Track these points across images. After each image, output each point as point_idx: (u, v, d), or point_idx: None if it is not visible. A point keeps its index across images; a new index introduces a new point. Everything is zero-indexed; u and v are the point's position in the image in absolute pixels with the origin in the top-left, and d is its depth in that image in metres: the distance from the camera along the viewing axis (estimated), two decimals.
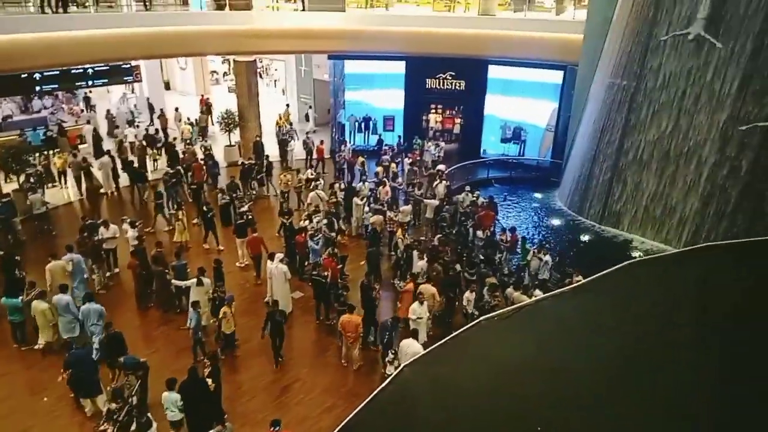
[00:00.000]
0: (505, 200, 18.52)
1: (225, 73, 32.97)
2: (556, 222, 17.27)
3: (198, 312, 10.49)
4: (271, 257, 12.19)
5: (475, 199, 16.33)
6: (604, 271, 6.17)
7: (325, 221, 14.20)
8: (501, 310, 6.21)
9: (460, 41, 19.27)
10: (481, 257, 13.43)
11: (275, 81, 31.65)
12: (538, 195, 19.34)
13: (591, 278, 6.25)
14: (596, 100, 16.83)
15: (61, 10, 15.21)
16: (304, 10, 19.55)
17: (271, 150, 20.59)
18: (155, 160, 19.84)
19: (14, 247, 13.69)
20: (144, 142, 20.08)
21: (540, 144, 21.97)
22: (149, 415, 8.35)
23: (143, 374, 9.21)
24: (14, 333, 10.84)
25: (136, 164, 18.26)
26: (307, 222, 14.11)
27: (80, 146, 20.05)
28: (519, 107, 21.90)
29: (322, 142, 20.64)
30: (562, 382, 5.01)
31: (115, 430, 8.60)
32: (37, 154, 18.49)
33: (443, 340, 5.54)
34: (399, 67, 22.25)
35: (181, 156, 18.98)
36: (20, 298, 10.68)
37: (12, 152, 16.66)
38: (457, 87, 22.43)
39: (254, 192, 17.78)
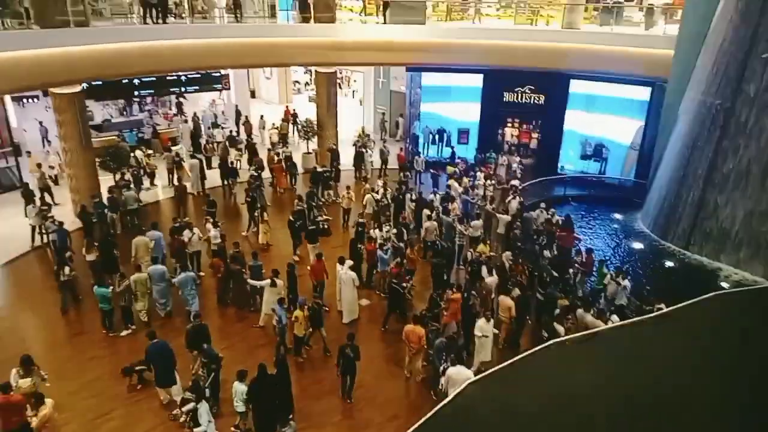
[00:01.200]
0: (582, 220, 17.85)
1: (306, 83, 34.09)
2: (637, 245, 16.42)
3: (284, 308, 10.97)
4: (341, 261, 12.42)
5: (549, 216, 15.86)
6: (688, 302, 5.80)
7: (394, 231, 14.31)
8: (573, 335, 5.99)
9: (542, 55, 18.88)
10: (553, 277, 13.01)
11: (354, 92, 32.33)
12: (618, 216, 18.49)
13: (673, 308, 5.89)
14: (687, 119, 15.92)
15: (160, 21, 16.34)
16: (385, 23, 19.86)
17: (347, 158, 21.09)
18: (237, 160, 20.84)
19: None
20: (227, 143, 21.58)
21: (623, 162, 21.02)
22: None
23: (216, 368, 9.65)
24: (104, 320, 11.69)
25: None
26: (377, 231, 14.27)
27: (173, 147, 21.44)
28: (601, 123, 21.11)
29: (402, 149, 20.91)
30: (627, 414, 4.75)
31: (188, 419, 9.05)
32: (140, 153, 19.91)
33: (510, 361, 5.42)
34: (476, 80, 22.11)
35: (264, 160, 20.05)
36: (110, 288, 11.51)
37: (111, 152, 18.08)
38: (536, 101, 21.97)
39: (325, 200, 18.27)
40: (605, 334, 6.03)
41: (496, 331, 10.79)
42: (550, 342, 5.65)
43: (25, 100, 24.04)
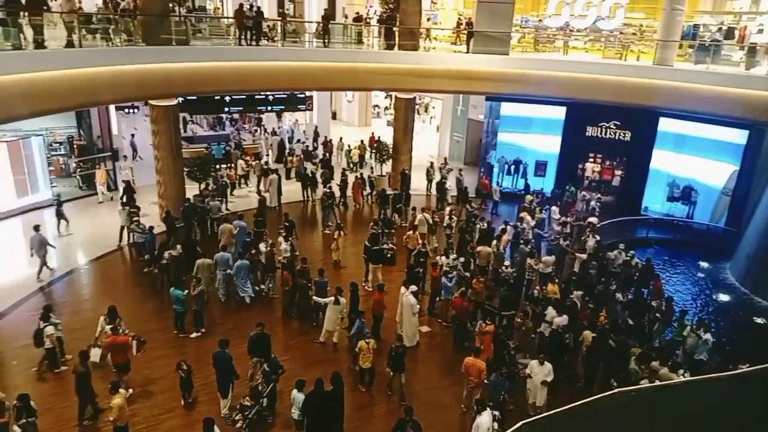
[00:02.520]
0: (664, 265, 16.83)
1: (386, 108, 34.78)
2: (723, 297, 15.26)
3: (362, 321, 11.23)
4: (406, 285, 12.38)
5: (628, 258, 15.09)
6: None
7: (461, 260, 14.12)
8: (642, 386, 5.59)
9: (630, 90, 18.17)
10: (628, 324, 12.32)
11: (431, 118, 32.60)
12: (705, 264, 17.30)
13: (757, 368, 5.37)
14: None
15: (254, 42, 17.32)
16: (468, 52, 19.97)
17: (418, 182, 21.22)
18: (312, 173, 21.56)
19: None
20: (302, 156, 22.90)
21: (713, 208, 19.71)
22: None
23: (276, 378, 9.84)
24: (176, 321, 12.25)
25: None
26: (443, 258, 14.14)
27: (253, 162, 22.53)
28: (691, 165, 19.98)
29: (486, 176, 20.90)
30: None
31: (244, 425, 9.27)
32: (224, 166, 21.04)
33: (571, 405, 5.14)
34: (558, 112, 21.65)
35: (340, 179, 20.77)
36: (185, 292, 12.08)
37: (198, 163, 19.17)
38: (621, 137, 21.16)
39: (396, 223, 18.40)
40: (675, 388, 5.59)
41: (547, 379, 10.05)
42: (616, 390, 5.31)
43: (127, 110, 26.11)
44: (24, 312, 12.74)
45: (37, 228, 14.16)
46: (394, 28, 19.73)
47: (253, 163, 22.34)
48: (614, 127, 21.13)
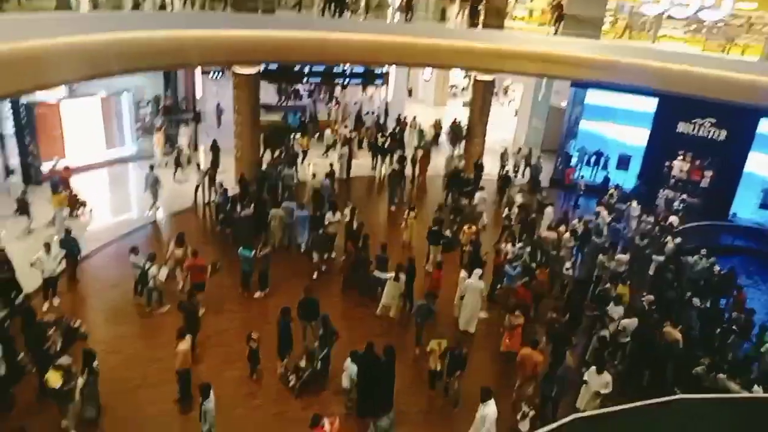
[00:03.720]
0: (750, 277, 15.64)
1: (464, 89, 34.11)
2: None
3: (430, 304, 11.16)
4: (467, 268, 12.20)
5: (709, 266, 14.12)
6: None
7: (528, 249, 13.73)
8: (705, 395, 5.23)
9: (733, 86, 16.74)
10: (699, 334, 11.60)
11: (510, 101, 31.69)
12: None
13: None
14: None
15: (337, 14, 17.38)
16: (556, 33, 19.11)
17: (489, 168, 20.77)
18: (383, 144, 21.68)
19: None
20: (373, 128, 23.34)
21: None
22: None
23: (331, 344, 10.05)
24: (243, 280, 12.72)
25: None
26: (508, 246, 13.80)
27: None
28: None
29: (570, 167, 20.33)
30: None
31: (297, 385, 9.57)
32: (298, 135, 21.46)
33: (623, 406, 4.88)
34: (648, 105, 20.39)
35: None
36: (253, 252, 12.48)
37: (273, 130, 19.62)
38: (715, 136, 19.68)
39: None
40: (741, 403, 5.18)
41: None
42: (677, 396, 4.99)
43: (211, 75, 27.03)
44: (107, 255, 13.75)
45: (151, 167, 15.83)
46: (480, 6, 19.15)
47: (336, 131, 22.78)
48: (709, 125, 19.67)
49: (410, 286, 12.37)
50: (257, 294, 12.70)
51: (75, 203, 15.32)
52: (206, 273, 11.73)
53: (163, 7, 14.02)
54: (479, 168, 19.79)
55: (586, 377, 9.59)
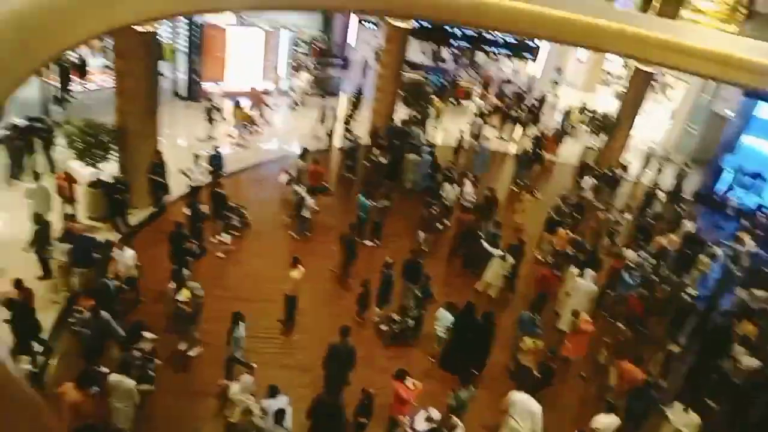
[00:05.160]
0: None
1: (619, 77, 31.77)
2: None
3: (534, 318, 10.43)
4: (580, 266, 11.77)
5: None
6: None
7: (652, 261, 12.87)
8: None
9: None
10: None
11: (668, 100, 29.02)
12: None
13: None
14: None
15: None
16: (739, 34, 17.07)
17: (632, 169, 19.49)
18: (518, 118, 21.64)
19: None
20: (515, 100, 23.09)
21: None
22: None
23: (426, 305, 10.36)
24: (357, 227, 13.16)
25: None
26: (629, 252, 13.00)
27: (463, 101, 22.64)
28: None
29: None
30: None
31: (390, 334, 10.07)
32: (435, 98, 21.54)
33: None
34: None
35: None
36: (370, 201, 12.92)
37: (412, 89, 19.78)
38: None
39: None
40: None
41: None
42: None
43: (365, 24, 27.62)
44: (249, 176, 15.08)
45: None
46: None
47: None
48: None
49: (516, 269, 12.21)
50: (368, 242, 13.21)
51: (250, 120, 17.25)
52: (324, 178, 13.73)
53: None
54: (623, 168, 18.48)
55: (669, 413, 8.86)
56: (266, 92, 18.54)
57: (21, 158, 12.38)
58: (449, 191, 14.30)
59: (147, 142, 12.16)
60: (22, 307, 8.12)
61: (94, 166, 11.42)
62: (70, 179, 11.13)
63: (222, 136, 16.65)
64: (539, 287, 11.76)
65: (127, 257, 9.63)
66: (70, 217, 10.71)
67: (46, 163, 12.78)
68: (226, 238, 11.95)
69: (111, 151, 11.63)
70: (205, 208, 11.60)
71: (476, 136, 19.69)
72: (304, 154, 14.44)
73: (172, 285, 9.65)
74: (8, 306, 8.01)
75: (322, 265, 12.09)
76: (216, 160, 13.34)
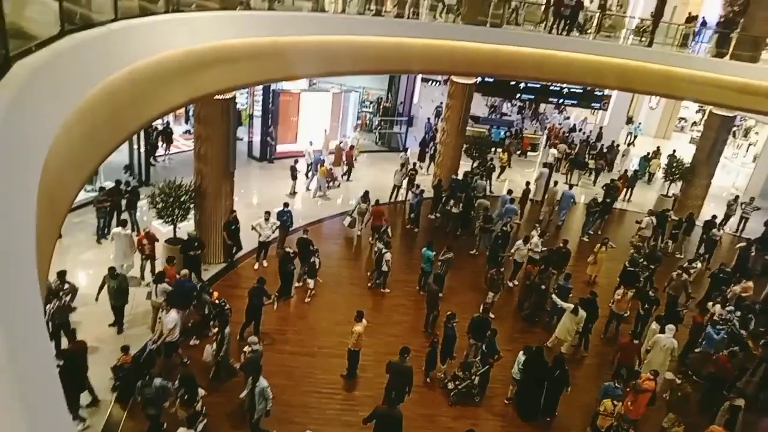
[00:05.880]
0: None
1: (694, 123, 30.52)
2: None
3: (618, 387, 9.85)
4: (660, 320, 11.06)
5: None
6: None
7: (738, 314, 11.86)
8: None
9: None
10: None
11: (750, 145, 27.41)
12: None
13: None
14: None
15: (565, 33, 16.90)
16: None
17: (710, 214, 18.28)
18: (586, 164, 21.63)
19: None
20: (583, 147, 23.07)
21: None
22: None
23: (492, 363, 10.02)
24: (420, 278, 13.23)
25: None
26: (717, 307, 12.06)
27: (529, 152, 22.50)
28: None
29: None
30: None
31: (454, 390, 9.77)
32: (499, 150, 21.62)
33: None
34: None
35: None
36: (434, 253, 12.93)
37: (476, 142, 19.94)
38: None
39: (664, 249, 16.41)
40: None
41: None
42: None
43: (429, 83, 28.46)
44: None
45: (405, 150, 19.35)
46: (732, 34, 16.98)
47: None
48: None
49: (589, 325, 11.62)
50: None
51: (332, 176, 18.58)
52: (384, 219, 14.31)
53: (378, 13, 14.89)
54: (690, 220, 17.31)
55: None
56: (350, 148, 19.53)
57: (109, 220, 13.45)
58: (520, 248, 13.93)
59: (222, 201, 12.93)
60: (73, 358, 8.25)
61: (173, 224, 12.21)
62: (150, 238, 11.95)
63: (301, 191, 17.77)
64: (621, 357, 10.95)
65: (168, 320, 9.39)
66: (170, 260, 11.23)
67: (130, 223, 13.79)
68: (310, 282, 12.36)
69: (190, 210, 12.41)
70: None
71: (545, 186, 19.37)
72: (366, 196, 15.19)
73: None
74: (62, 356, 8.26)
75: (387, 318, 12.09)
76: (284, 216, 13.88)
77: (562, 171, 21.90)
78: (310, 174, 18.54)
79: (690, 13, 20.91)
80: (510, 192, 17.06)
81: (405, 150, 21.07)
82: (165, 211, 11.78)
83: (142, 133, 15.82)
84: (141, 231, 12.47)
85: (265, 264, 13.35)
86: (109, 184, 13.90)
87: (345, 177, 19.25)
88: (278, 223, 13.52)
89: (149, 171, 16.69)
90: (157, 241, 12.13)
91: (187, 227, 12.57)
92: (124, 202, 13.65)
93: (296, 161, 18.27)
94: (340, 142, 20.03)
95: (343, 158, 19.39)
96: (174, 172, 14.97)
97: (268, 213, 13.17)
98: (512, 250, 14.04)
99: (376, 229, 14.25)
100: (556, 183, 18.42)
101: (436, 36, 15.52)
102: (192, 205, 12.37)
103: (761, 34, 16.85)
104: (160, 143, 18.29)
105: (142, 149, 16.36)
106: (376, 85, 23.41)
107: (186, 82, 8.57)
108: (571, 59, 16.69)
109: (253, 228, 12.99)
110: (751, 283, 13.44)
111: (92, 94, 5.32)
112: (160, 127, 18.29)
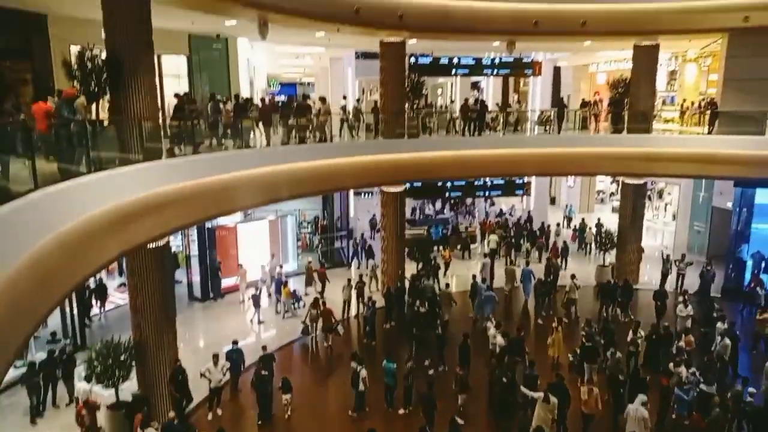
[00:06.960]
0: None
1: (612, 194, 32.77)
2: None
3: None
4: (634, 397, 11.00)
5: None
6: None
7: (698, 373, 12.02)
8: None
9: None
10: None
11: (666, 205, 29.55)
12: None
13: None
14: None
15: (476, 133, 18.30)
16: (710, 133, 17.99)
17: (649, 277, 19.17)
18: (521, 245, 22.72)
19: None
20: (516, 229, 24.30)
21: None
22: None
23: None
24: (386, 395, 12.65)
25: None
26: (681, 368, 12.17)
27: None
28: None
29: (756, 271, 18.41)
30: None
31: None
32: (435, 248, 22.09)
33: None
34: None
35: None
36: (395, 365, 12.55)
37: (416, 244, 20.39)
38: None
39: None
40: None
41: None
42: None
43: (362, 195, 29.36)
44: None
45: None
46: (623, 112, 18.94)
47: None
48: None
49: (564, 410, 11.36)
50: (401, 411, 12.55)
51: (296, 296, 18.36)
52: (334, 319, 15.16)
53: (322, 140, 15.73)
54: (626, 285, 17.75)
55: None
56: (321, 266, 19.83)
57: (44, 395, 12.32)
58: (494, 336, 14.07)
59: (165, 352, 12.14)
60: None
61: (115, 386, 11.31)
62: (90, 407, 10.96)
63: (252, 324, 17.21)
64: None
65: None
66: None
67: (66, 394, 12.67)
68: (286, 397, 12.21)
69: (132, 369, 11.60)
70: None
71: (488, 278, 19.67)
72: (315, 302, 15.85)
73: None
74: None
75: None
76: (233, 354, 13.22)
77: (502, 255, 22.53)
78: (270, 298, 18.44)
79: (583, 99, 23.20)
80: (484, 280, 17.79)
81: (349, 265, 21.17)
82: (105, 375, 10.95)
83: (73, 294, 15.01)
84: (80, 401, 11.42)
85: (219, 412, 12.43)
86: (42, 356, 12.85)
87: (320, 294, 18.39)
88: (228, 364, 12.84)
89: (84, 332, 15.64)
90: (98, 409, 11.13)
91: (129, 387, 11.67)
92: (59, 371, 12.59)
93: (257, 289, 17.77)
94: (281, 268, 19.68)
95: (315, 277, 19.13)
96: (111, 330, 14.18)
97: (216, 356, 12.48)
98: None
99: (328, 329, 15.26)
100: (512, 262, 19.62)
101: (362, 153, 16.37)
102: (133, 363, 11.58)
103: (646, 109, 18.92)
104: (93, 301, 17.33)
105: (75, 311, 15.42)
106: (311, 205, 23.89)
107: (116, 237, 8.41)
108: (489, 155, 17.96)
109: (202, 375, 12.20)
110: (691, 337, 13.84)
111: (18, 264, 5.12)
112: (92, 285, 17.43)
